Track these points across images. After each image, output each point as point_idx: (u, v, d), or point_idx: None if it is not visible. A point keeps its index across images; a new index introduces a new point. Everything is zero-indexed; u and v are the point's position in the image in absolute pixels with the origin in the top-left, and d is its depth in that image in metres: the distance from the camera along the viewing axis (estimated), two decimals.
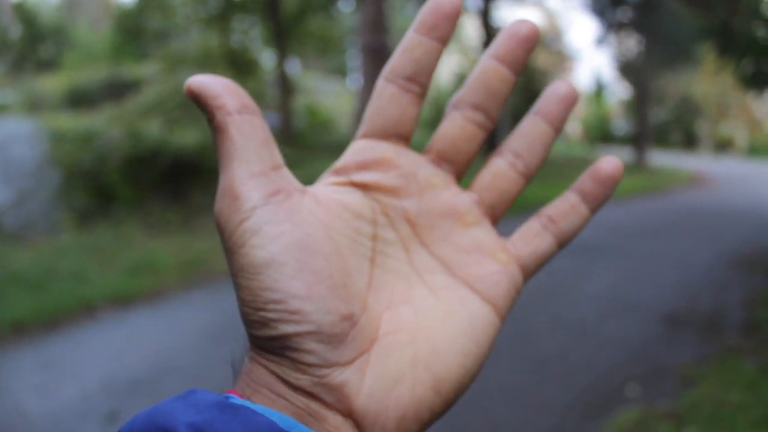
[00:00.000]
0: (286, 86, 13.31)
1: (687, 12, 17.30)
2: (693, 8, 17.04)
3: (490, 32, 17.33)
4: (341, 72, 29.24)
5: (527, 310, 4.74)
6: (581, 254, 6.68)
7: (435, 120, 20.14)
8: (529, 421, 3.03)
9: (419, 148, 0.42)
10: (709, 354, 3.93)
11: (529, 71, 18.50)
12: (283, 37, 13.28)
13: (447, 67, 31.80)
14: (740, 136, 33.19)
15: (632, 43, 20.68)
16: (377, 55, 9.73)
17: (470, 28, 26.30)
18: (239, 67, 13.27)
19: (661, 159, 21.19)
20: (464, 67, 23.59)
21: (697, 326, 4.45)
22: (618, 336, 4.22)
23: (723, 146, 33.82)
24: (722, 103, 31.55)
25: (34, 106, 13.01)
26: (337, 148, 12.81)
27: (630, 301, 5.03)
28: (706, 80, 29.34)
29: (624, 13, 19.49)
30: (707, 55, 20.89)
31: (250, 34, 15.53)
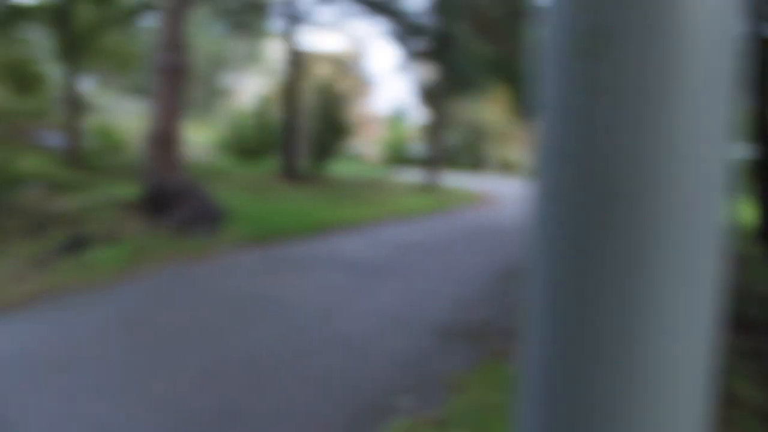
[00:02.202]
0: (76, 104, 12.28)
1: (477, 45, 19.13)
2: (482, 42, 18.79)
3: (292, 54, 17.57)
4: (141, 91, 27.67)
5: (306, 329, 4.84)
6: (365, 273, 7.01)
7: (236, 142, 19.81)
8: None
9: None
10: (478, 361, 4.32)
11: (329, 96, 19.02)
12: (74, 51, 12.26)
13: (250, 89, 31.55)
14: (520, 158, 37.20)
15: (432, 71, 22.23)
16: (172, 74, 9.37)
17: (274, 50, 26.41)
18: (20, 80, 11.99)
19: (452, 180, 22.93)
20: (265, 88, 23.55)
21: (468, 336, 4.89)
22: (393, 350, 4.43)
23: (506, 167, 37.71)
24: (504, 129, 35.30)
25: None
26: (127, 171, 12.07)
27: (408, 316, 5.33)
28: (491, 108, 32.69)
29: (422, 43, 20.91)
30: (492, 85, 23.22)
31: (38, 46, 14.13)
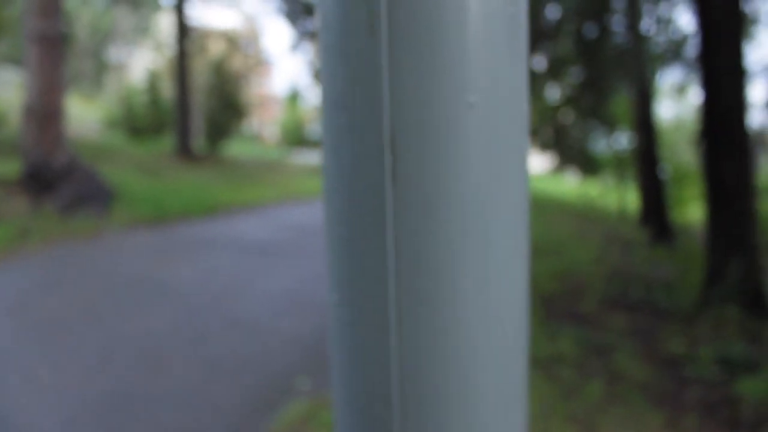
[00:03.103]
0: None
1: None
2: None
3: (184, 29, 16.95)
4: (16, 60, 25.55)
5: (202, 312, 4.72)
6: (262, 254, 6.93)
7: (127, 119, 18.92)
8: (200, 426, 2.99)
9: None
10: None
11: (223, 74, 18.54)
12: None
13: (139, 64, 30.05)
14: None
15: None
16: (47, 42, 8.77)
17: (165, 25, 25.28)
18: None
19: None
20: (157, 64, 22.55)
21: None
22: (291, 332, 4.38)
23: None
24: None
25: None
26: (7, 147, 11.26)
27: (307, 298, 5.27)
28: None
29: (313, 23, 20.74)
30: None
31: None
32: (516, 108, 0.45)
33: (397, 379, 0.44)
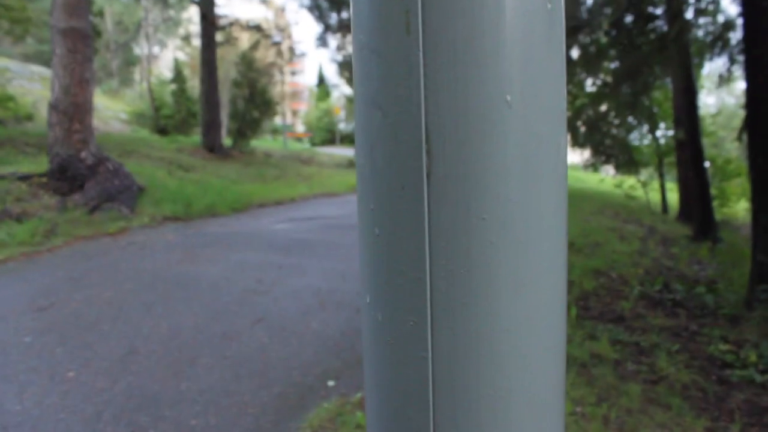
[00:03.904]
0: None
1: None
2: None
3: (212, 22, 16.88)
4: (44, 57, 25.91)
5: (230, 310, 4.68)
6: (292, 250, 6.85)
7: (157, 114, 18.96)
8: (226, 426, 2.95)
9: None
10: None
11: (252, 67, 18.41)
12: None
13: (168, 58, 30.26)
14: None
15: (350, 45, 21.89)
16: (75, 37, 8.69)
17: (194, 18, 25.36)
18: None
19: None
20: (185, 58, 22.62)
21: None
22: (319, 331, 4.31)
23: None
24: None
25: None
26: (36, 143, 11.30)
27: (336, 296, 5.18)
28: None
29: (340, 16, 20.55)
30: None
31: None
32: (554, 105, 0.43)
33: (432, 383, 0.43)
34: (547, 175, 0.43)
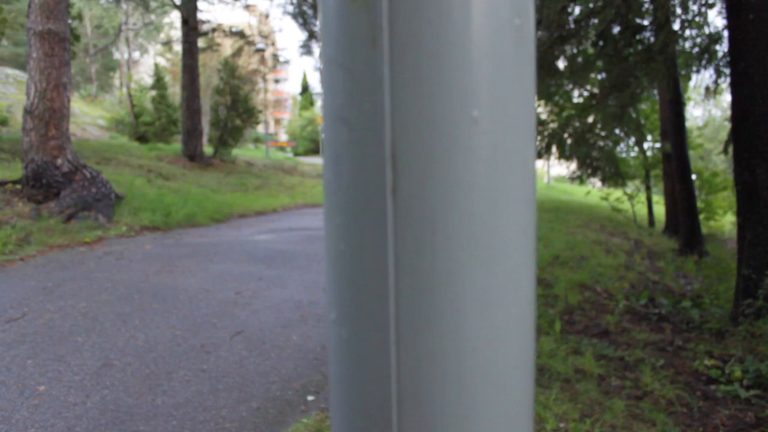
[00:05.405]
0: None
1: None
2: None
3: (193, 27, 16.64)
4: (19, 61, 25.40)
5: (209, 322, 4.58)
6: (271, 263, 6.71)
7: (136, 121, 18.64)
8: None
9: None
10: None
11: (234, 74, 18.16)
12: None
13: (148, 63, 29.88)
14: None
15: None
16: (52, 39, 8.44)
17: (175, 23, 25.05)
18: None
19: None
20: (165, 64, 22.33)
21: None
22: (300, 344, 4.23)
23: None
24: None
25: None
26: (9, 149, 10.97)
27: (317, 308, 5.10)
28: None
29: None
30: None
31: None
32: (522, 121, 0.43)
33: (396, 401, 0.43)
34: (515, 192, 0.43)
